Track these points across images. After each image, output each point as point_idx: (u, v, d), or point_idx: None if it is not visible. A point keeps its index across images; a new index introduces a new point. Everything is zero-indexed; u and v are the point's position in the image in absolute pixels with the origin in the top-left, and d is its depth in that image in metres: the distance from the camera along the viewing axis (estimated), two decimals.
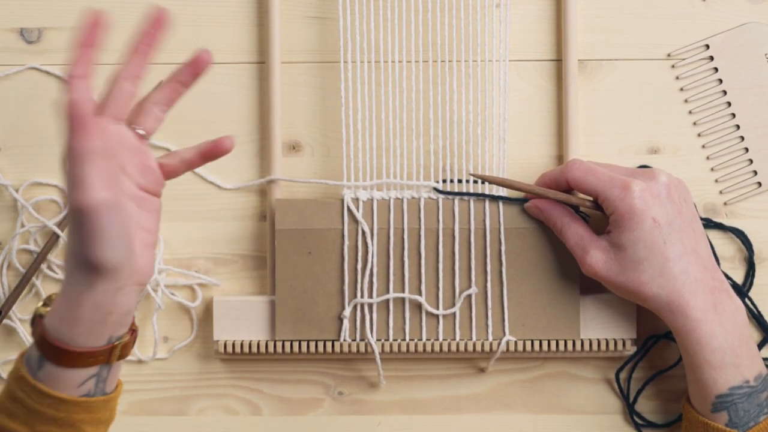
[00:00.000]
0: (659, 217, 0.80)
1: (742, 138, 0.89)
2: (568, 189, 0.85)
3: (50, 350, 0.72)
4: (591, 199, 0.84)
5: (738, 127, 0.89)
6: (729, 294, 0.81)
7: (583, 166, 0.83)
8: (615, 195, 0.81)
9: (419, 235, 0.87)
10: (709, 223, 0.89)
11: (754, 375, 0.80)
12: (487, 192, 0.87)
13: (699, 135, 0.90)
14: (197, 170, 0.89)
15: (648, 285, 0.81)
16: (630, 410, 0.89)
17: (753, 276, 0.89)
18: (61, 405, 0.72)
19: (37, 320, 0.73)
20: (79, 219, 0.68)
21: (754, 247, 0.89)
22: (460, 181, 0.87)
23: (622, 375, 0.89)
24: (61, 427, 0.73)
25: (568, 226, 0.84)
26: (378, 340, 0.87)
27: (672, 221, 0.80)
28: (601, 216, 0.84)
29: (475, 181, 0.87)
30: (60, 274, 0.89)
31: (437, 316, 0.87)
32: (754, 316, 0.89)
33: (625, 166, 0.85)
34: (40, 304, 0.74)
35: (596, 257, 0.82)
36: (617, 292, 0.83)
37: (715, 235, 0.89)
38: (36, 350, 0.72)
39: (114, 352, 0.73)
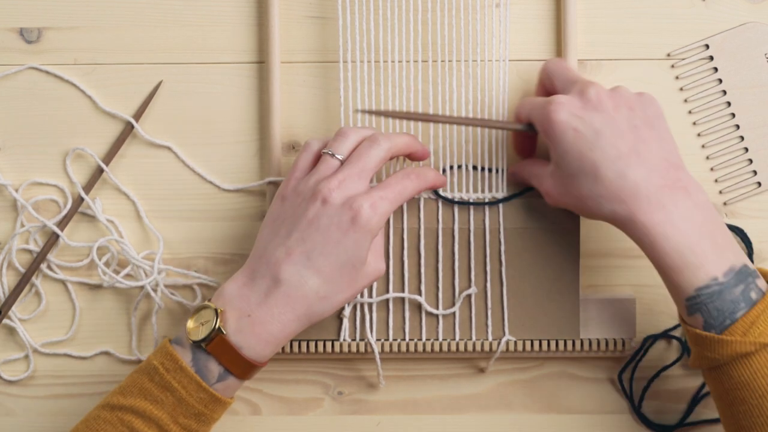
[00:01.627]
0: (581, 127, 0.78)
1: (742, 138, 0.89)
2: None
3: (242, 368, 0.78)
4: (518, 123, 0.83)
5: (738, 127, 0.89)
6: (686, 190, 0.77)
7: (523, 100, 0.83)
8: (539, 114, 0.80)
9: (419, 235, 0.87)
10: None
11: (723, 270, 0.75)
12: (486, 199, 0.87)
13: (699, 135, 0.90)
14: (197, 170, 0.90)
15: (587, 197, 0.78)
16: (636, 411, 0.89)
17: None
18: (218, 405, 0.78)
19: (218, 338, 0.77)
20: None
21: (754, 247, 0.89)
22: (460, 166, 0.87)
23: (624, 375, 0.89)
24: (199, 421, 0.78)
25: (527, 170, 0.84)
26: (378, 339, 0.87)
27: (599, 129, 0.78)
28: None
29: (474, 167, 0.87)
30: (60, 274, 0.90)
31: (437, 316, 0.87)
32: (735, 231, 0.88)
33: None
34: (211, 321, 0.78)
35: (547, 183, 0.82)
36: (578, 213, 0.82)
37: None
38: (217, 365, 0.77)
39: None
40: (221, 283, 0.89)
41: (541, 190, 0.83)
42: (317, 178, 0.80)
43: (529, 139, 0.86)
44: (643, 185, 0.77)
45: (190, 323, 0.78)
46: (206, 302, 0.79)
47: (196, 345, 0.78)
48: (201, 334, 0.77)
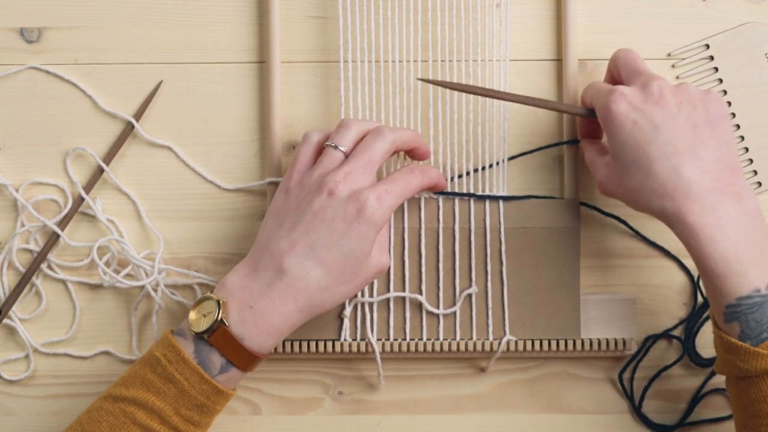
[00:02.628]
0: (641, 120, 0.78)
1: (742, 138, 0.89)
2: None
3: (244, 359, 0.78)
4: (581, 108, 0.84)
5: (738, 127, 0.89)
6: (739, 196, 0.76)
7: (590, 85, 0.84)
8: (601, 102, 0.80)
9: (419, 235, 0.87)
10: None
11: (767, 283, 0.74)
12: (487, 193, 0.87)
13: None
14: (198, 170, 0.90)
15: (639, 191, 0.78)
16: (637, 411, 0.89)
17: None
18: (220, 397, 0.78)
19: (221, 329, 0.77)
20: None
21: None
22: (460, 176, 0.87)
23: (624, 375, 0.89)
24: (201, 413, 0.78)
25: (587, 155, 0.84)
26: (378, 339, 0.87)
27: (659, 123, 0.77)
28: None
29: (476, 170, 0.87)
30: (60, 274, 0.89)
31: (437, 316, 0.87)
32: None
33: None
34: (214, 313, 0.78)
35: (601, 173, 0.81)
36: (630, 206, 0.80)
37: None
38: (219, 356, 0.77)
39: None
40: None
41: (596, 179, 0.82)
42: (322, 171, 0.80)
43: (592, 123, 0.85)
44: (696, 185, 0.76)
45: (192, 314, 0.78)
46: (209, 293, 0.79)
47: (199, 336, 0.78)
48: (203, 325, 0.77)
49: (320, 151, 0.82)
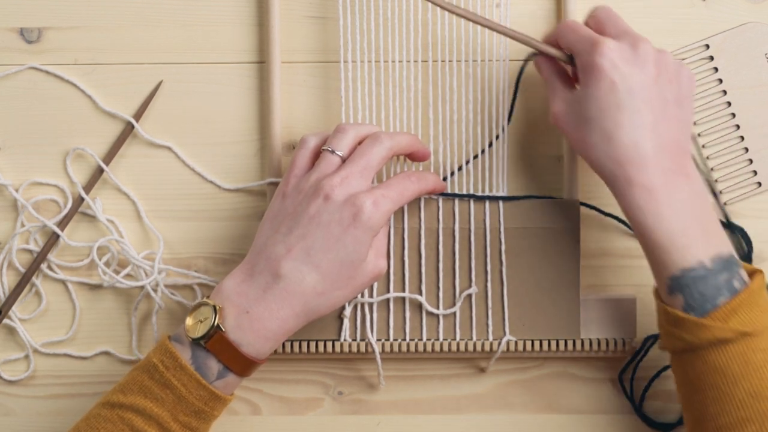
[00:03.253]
0: (620, 83, 0.78)
1: (742, 138, 0.89)
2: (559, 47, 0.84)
3: (241, 365, 0.78)
4: (565, 53, 0.83)
5: (738, 127, 0.89)
6: (688, 177, 0.78)
7: (569, 24, 0.82)
8: (585, 50, 0.79)
9: (419, 235, 0.87)
10: None
11: (710, 256, 0.76)
12: (487, 193, 0.87)
13: (699, 135, 0.90)
14: (197, 170, 0.90)
15: (594, 148, 0.78)
16: (637, 411, 0.89)
17: None
18: (217, 403, 0.78)
19: (217, 335, 0.77)
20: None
21: (754, 247, 0.89)
22: (460, 169, 0.87)
23: (624, 375, 0.89)
24: (199, 419, 0.78)
25: (548, 75, 0.84)
26: (378, 339, 0.87)
27: (635, 90, 0.78)
28: None
29: (475, 156, 0.87)
30: (60, 274, 0.90)
31: (437, 316, 0.87)
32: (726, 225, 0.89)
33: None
34: (210, 319, 0.78)
35: (558, 106, 0.81)
36: (574, 149, 0.82)
37: None
38: (216, 362, 0.77)
39: None
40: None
41: (551, 107, 0.82)
42: (318, 175, 0.80)
43: (558, 64, 0.85)
44: (652, 161, 0.77)
45: (189, 320, 0.78)
46: (205, 299, 0.79)
47: (195, 342, 0.78)
48: (200, 331, 0.77)
49: (317, 155, 0.82)
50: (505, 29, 0.83)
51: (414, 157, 0.85)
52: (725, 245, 0.78)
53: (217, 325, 0.77)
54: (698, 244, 0.76)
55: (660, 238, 0.77)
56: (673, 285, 0.77)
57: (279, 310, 0.78)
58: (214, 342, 0.77)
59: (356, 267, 0.79)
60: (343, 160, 0.81)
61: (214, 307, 0.78)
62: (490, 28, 0.83)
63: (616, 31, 0.81)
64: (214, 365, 0.78)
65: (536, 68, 0.86)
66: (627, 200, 0.78)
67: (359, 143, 0.82)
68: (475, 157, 0.88)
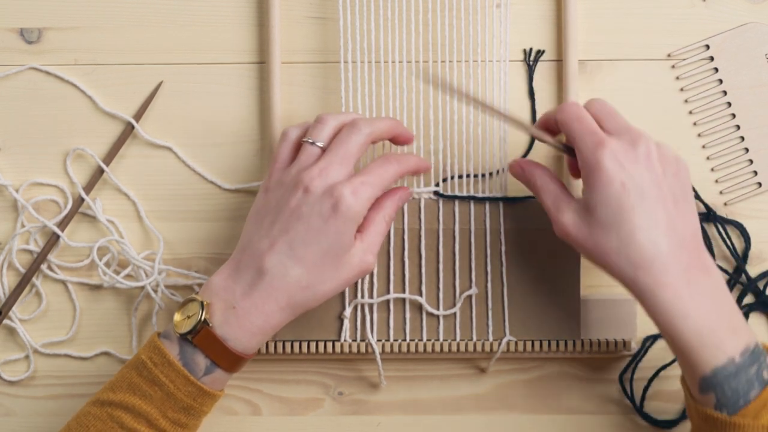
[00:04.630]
0: (629, 183, 0.76)
1: (743, 138, 0.89)
2: (558, 131, 0.82)
3: (229, 360, 0.78)
4: (565, 144, 0.81)
5: (738, 127, 0.89)
6: (707, 270, 0.77)
7: (573, 111, 0.79)
8: (588, 148, 0.77)
9: (419, 236, 0.87)
10: (708, 217, 0.89)
11: (740, 350, 0.75)
12: (487, 194, 0.87)
13: (699, 135, 0.90)
14: (198, 170, 0.90)
15: (612, 254, 0.76)
16: (638, 411, 0.89)
17: (744, 268, 0.89)
18: (206, 398, 0.78)
19: (204, 330, 0.77)
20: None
21: (754, 247, 0.89)
22: (461, 176, 0.87)
23: (624, 375, 0.89)
24: (188, 414, 0.78)
25: (545, 186, 0.81)
26: (378, 340, 0.87)
27: (645, 191, 0.76)
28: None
29: (476, 175, 0.87)
30: (60, 274, 0.90)
31: (438, 317, 0.87)
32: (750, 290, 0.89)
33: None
34: (197, 314, 0.78)
35: (568, 217, 0.78)
36: (588, 258, 0.79)
37: (714, 234, 0.89)
38: (204, 357, 0.77)
39: None
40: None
41: (557, 219, 0.79)
42: (298, 167, 0.80)
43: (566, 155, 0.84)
44: (673, 260, 0.76)
45: (177, 316, 0.78)
46: (193, 295, 0.79)
47: (183, 338, 0.78)
48: (187, 326, 0.77)
49: (299, 147, 0.82)
50: (503, 114, 0.82)
51: (396, 140, 0.84)
52: (750, 335, 0.76)
53: (204, 320, 0.77)
54: (727, 340, 0.75)
55: (690, 339, 0.75)
56: (705, 385, 0.75)
57: (264, 305, 0.78)
58: (201, 337, 0.77)
59: (340, 257, 0.79)
60: (324, 150, 0.81)
61: (202, 302, 0.78)
62: (489, 111, 0.83)
63: (615, 127, 0.79)
64: (201, 361, 0.78)
65: (518, 169, 0.84)
66: (652, 303, 0.76)
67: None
68: (476, 175, 0.88)
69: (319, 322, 0.87)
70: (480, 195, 0.87)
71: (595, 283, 0.89)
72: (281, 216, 0.79)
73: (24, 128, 0.90)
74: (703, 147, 0.90)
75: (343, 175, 0.79)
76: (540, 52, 0.89)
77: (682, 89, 0.90)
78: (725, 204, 0.89)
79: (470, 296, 0.87)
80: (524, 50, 0.89)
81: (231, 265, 0.80)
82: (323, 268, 0.78)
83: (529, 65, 0.89)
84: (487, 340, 0.87)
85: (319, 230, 0.78)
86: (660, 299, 0.75)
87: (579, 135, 0.78)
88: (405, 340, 0.87)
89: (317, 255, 0.78)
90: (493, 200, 0.87)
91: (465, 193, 0.87)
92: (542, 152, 0.90)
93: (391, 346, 0.87)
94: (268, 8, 0.88)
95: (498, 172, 0.88)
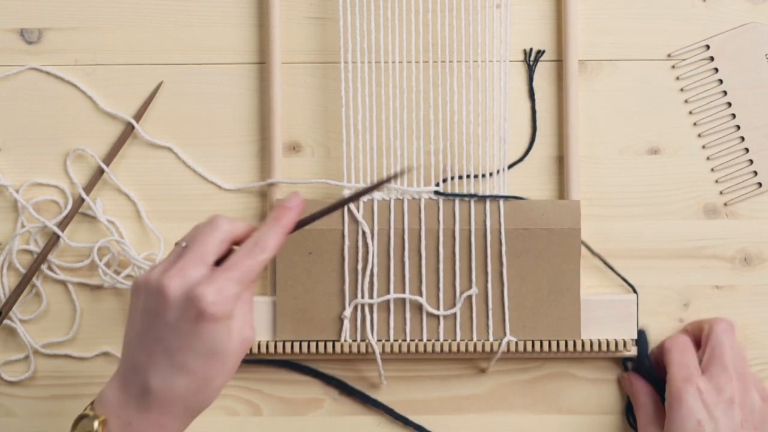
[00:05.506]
0: (706, 424, 0.81)
1: (743, 138, 0.89)
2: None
3: None
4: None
5: (738, 127, 0.89)
6: None
7: (682, 343, 0.86)
8: (676, 377, 0.83)
9: (419, 236, 0.87)
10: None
11: None
12: (487, 193, 0.87)
13: (699, 135, 0.90)
14: (198, 170, 0.90)
15: None
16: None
17: None
18: None
19: None
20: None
21: (754, 247, 0.89)
22: (461, 177, 0.87)
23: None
24: None
25: (645, 406, 0.87)
26: (378, 340, 0.87)
27: (719, 428, 0.82)
28: None
29: (476, 175, 0.87)
30: (60, 275, 0.90)
31: (438, 317, 0.87)
32: None
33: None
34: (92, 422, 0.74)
35: None
36: None
37: (715, 234, 0.89)
38: None
39: None
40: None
41: None
42: (161, 268, 0.75)
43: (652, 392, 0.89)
44: None
45: None
46: (87, 411, 0.74)
47: None
48: None
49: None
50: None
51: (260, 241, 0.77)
52: None
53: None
54: None
55: None
56: None
57: (160, 419, 0.73)
58: None
59: (221, 354, 0.73)
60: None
61: (97, 420, 0.73)
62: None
63: (719, 362, 0.84)
64: None
65: (627, 382, 0.89)
66: None
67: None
68: (476, 176, 0.88)
69: (320, 323, 0.87)
70: (480, 195, 0.87)
71: (595, 283, 0.89)
72: (152, 323, 0.73)
73: (24, 128, 0.90)
74: (703, 147, 0.90)
75: (201, 274, 0.73)
76: (540, 52, 0.89)
77: (682, 89, 0.90)
78: (725, 204, 0.90)
79: (470, 296, 0.87)
80: (524, 50, 0.90)
81: (118, 377, 0.75)
82: (208, 369, 0.73)
83: (529, 65, 0.89)
84: (488, 340, 0.87)
85: (192, 334, 0.72)
86: None
87: (676, 364, 0.85)
88: (405, 340, 0.87)
89: (198, 359, 0.73)
90: (493, 200, 0.87)
91: (465, 192, 0.87)
92: (543, 152, 0.90)
93: (392, 346, 0.87)
94: (268, 8, 0.88)
95: (498, 172, 0.88)
